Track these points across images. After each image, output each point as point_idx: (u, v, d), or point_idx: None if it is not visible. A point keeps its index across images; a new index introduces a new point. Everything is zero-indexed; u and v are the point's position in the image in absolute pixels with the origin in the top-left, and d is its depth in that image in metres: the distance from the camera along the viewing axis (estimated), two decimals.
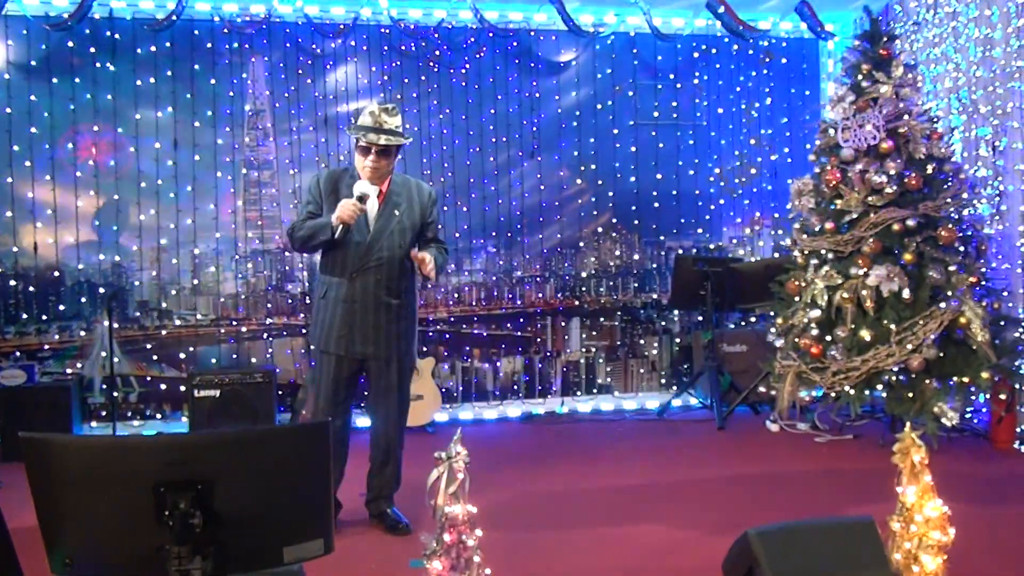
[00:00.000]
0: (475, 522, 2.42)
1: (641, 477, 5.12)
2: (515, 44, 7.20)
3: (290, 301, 6.84)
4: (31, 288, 6.39)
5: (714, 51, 7.60)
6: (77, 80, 6.42)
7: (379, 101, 4.16)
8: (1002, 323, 5.42)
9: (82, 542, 1.89)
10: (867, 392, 5.35)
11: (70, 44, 6.39)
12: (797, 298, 5.64)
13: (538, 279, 7.38)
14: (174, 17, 6.20)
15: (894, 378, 5.17)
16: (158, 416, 6.60)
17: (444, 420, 6.68)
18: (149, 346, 6.61)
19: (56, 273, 6.44)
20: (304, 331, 6.72)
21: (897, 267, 5.21)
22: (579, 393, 7.41)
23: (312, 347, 4.32)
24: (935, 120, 5.64)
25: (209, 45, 6.62)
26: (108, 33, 6.46)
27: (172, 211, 6.60)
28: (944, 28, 6.41)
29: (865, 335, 5.20)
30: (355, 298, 4.04)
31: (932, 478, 2.84)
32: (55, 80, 6.39)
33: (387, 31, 6.91)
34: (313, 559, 2.00)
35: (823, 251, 5.52)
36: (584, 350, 7.45)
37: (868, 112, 5.46)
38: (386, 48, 6.96)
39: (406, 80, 7.01)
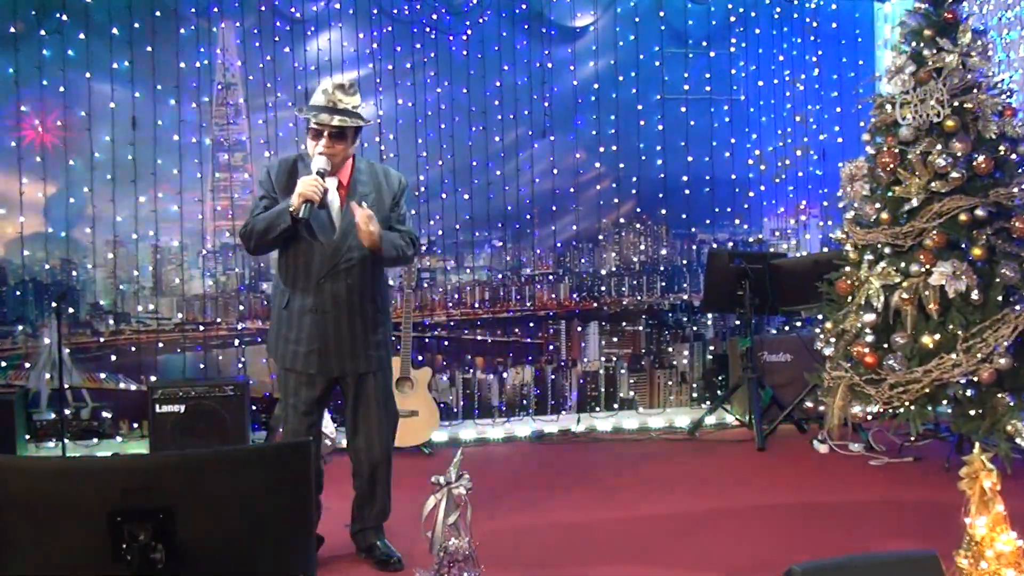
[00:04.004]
0: (477, 558, 2.42)
1: (669, 506, 5.11)
2: (524, 7, 7.20)
3: (265, 303, 6.85)
4: None
5: (753, 14, 7.59)
6: (20, 51, 6.43)
7: (335, 77, 4.14)
8: None
9: None
10: (930, 408, 5.34)
11: (12, 10, 6.40)
12: (849, 299, 5.63)
13: (551, 277, 7.38)
14: None
15: (961, 392, 5.15)
16: (115, 435, 6.62)
17: (442, 440, 6.69)
18: (104, 354, 6.63)
19: None
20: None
21: (964, 263, 5.19)
22: (598, 409, 7.41)
23: (275, 364, 4.29)
24: (1008, 94, 5.62)
25: (173, 9, 6.63)
26: None
27: (130, 199, 6.62)
28: None
29: (928, 342, 5.19)
30: (325, 307, 4.02)
31: (1005, 507, 2.83)
32: None
33: None
34: None
35: (879, 245, 5.50)
36: (604, 359, 7.45)
37: (931, 85, 5.44)
38: (376, 11, 6.97)
39: (399, 48, 7.02)
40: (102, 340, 6.62)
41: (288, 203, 3.88)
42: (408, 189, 4.34)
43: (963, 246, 5.28)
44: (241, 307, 6.83)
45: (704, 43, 7.53)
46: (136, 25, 6.55)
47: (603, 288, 7.47)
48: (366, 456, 4.20)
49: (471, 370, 7.21)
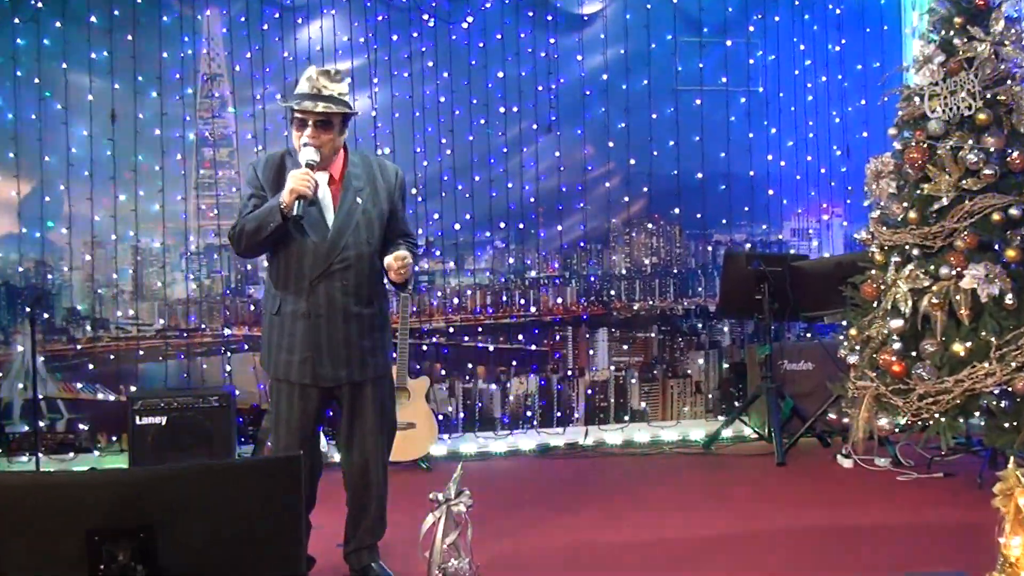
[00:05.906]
0: None
1: (683, 525, 5.11)
2: None
3: (252, 308, 6.86)
4: None
5: (772, 0, 7.60)
6: None
7: (320, 66, 4.16)
8: None
9: None
10: (961, 420, 5.33)
11: None
12: (875, 304, 5.62)
13: (557, 281, 7.38)
14: None
15: (994, 403, 5.15)
16: (92, 449, 6.62)
17: (441, 454, 6.69)
18: (81, 362, 6.64)
19: None
20: None
21: (998, 266, 5.18)
22: (607, 421, 7.41)
23: (267, 374, 4.29)
24: None
25: None
26: None
27: (109, 198, 6.63)
28: None
29: (959, 350, 5.18)
30: (319, 311, 4.00)
31: None
32: None
33: None
34: None
35: (907, 246, 5.50)
36: (613, 368, 7.45)
37: (961, 76, 5.44)
38: None
39: (395, 37, 7.03)
40: (79, 347, 6.63)
41: (278, 200, 3.86)
42: (405, 181, 4.35)
43: (996, 247, 5.27)
44: (226, 312, 6.84)
45: (720, 31, 7.54)
46: (116, 13, 6.57)
47: (612, 292, 7.47)
48: (360, 469, 4.19)
49: (472, 380, 7.21)
